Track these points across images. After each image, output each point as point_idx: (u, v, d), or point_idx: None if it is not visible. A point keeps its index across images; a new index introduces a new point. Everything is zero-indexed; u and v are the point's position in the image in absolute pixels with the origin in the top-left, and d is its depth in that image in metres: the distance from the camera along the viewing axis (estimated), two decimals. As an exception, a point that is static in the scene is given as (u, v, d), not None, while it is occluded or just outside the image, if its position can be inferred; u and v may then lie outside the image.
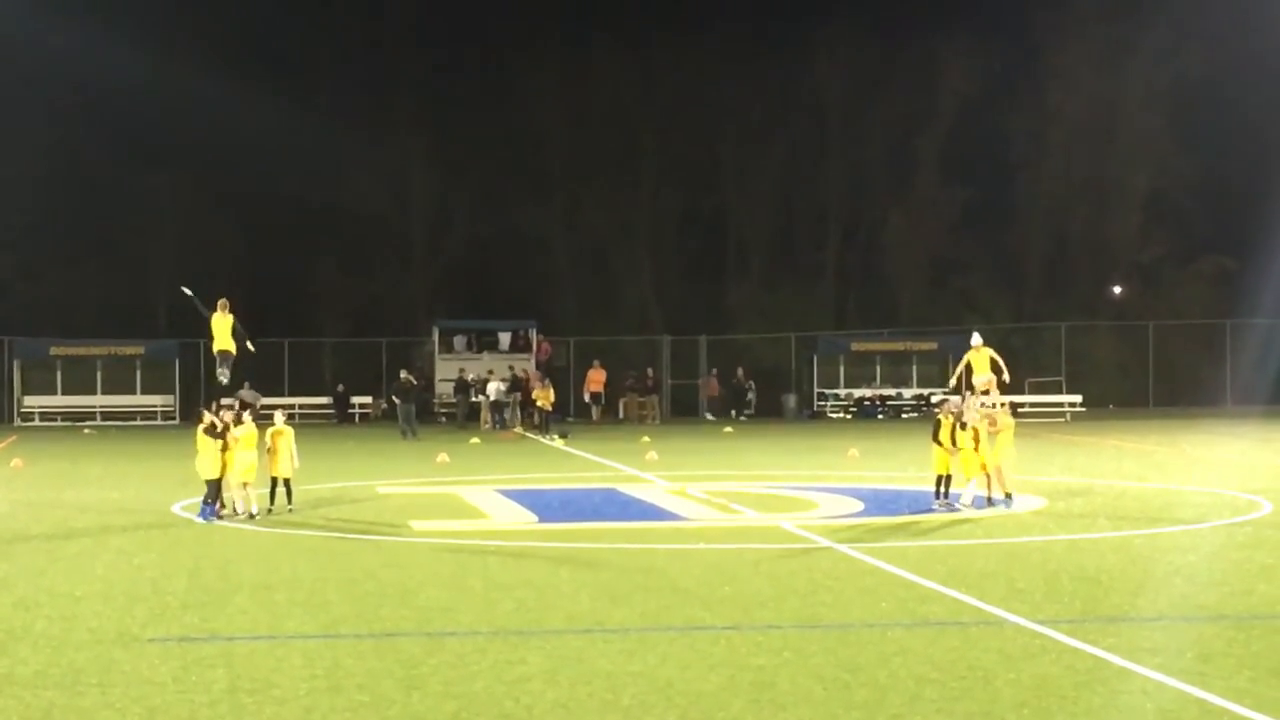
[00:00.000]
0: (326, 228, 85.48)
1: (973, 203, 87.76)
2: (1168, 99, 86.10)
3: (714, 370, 77.17)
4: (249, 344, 33.78)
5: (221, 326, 33.28)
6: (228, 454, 30.44)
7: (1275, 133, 79.36)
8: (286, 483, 31.58)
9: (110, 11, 76.59)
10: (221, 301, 33.75)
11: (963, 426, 31.31)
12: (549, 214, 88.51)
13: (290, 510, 31.26)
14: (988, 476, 31.59)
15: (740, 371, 77.22)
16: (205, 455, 30.22)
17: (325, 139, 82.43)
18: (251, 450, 30.74)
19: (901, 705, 15.00)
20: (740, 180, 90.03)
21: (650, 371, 76.02)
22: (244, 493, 30.67)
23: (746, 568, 23.97)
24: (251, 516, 30.29)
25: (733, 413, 75.52)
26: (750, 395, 77.06)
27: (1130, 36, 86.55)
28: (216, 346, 33.58)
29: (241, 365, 76.34)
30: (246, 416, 31.46)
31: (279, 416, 32.58)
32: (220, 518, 30.22)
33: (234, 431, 30.53)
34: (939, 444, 31.56)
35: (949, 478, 31.68)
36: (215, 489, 30.29)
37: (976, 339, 33.66)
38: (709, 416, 75.00)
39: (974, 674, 16.35)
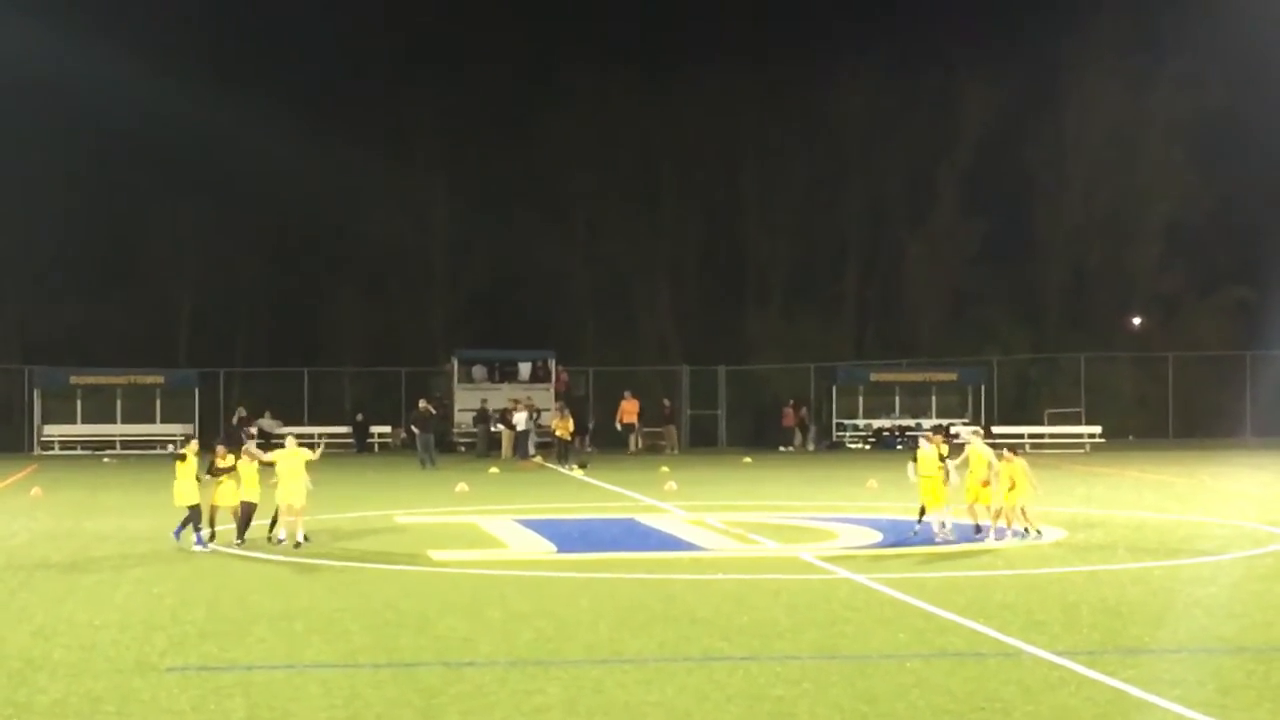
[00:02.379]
0: (347, 258, 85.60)
1: (992, 234, 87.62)
2: (1187, 130, 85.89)
3: (790, 401, 76.95)
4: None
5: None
6: (221, 484, 30.82)
7: (1295, 164, 79.24)
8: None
9: (135, 45, 76.75)
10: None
11: (940, 459, 31.73)
12: (568, 244, 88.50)
13: (302, 543, 30.84)
14: (996, 511, 31.62)
15: (804, 410, 76.91)
16: (184, 482, 30.48)
17: (347, 170, 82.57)
18: (254, 481, 30.74)
19: (920, 737, 14.99)
20: (760, 211, 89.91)
21: (666, 402, 76.00)
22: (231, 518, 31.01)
23: (765, 598, 23.96)
24: (240, 542, 30.42)
25: (796, 443, 75.26)
26: (809, 426, 76.66)
27: (1150, 67, 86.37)
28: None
29: (262, 394, 76.96)
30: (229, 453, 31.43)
31: (290, 442, 31.98)
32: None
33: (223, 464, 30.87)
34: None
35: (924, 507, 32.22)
36: (198, 514, 30.54)
37: (974, 438, 33.18)
38: (781, 449, 74.56)
39: (993, 705, 16.33)
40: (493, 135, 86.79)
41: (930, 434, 34.24)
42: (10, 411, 75.96)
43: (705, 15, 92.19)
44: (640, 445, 72.26)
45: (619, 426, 72.10)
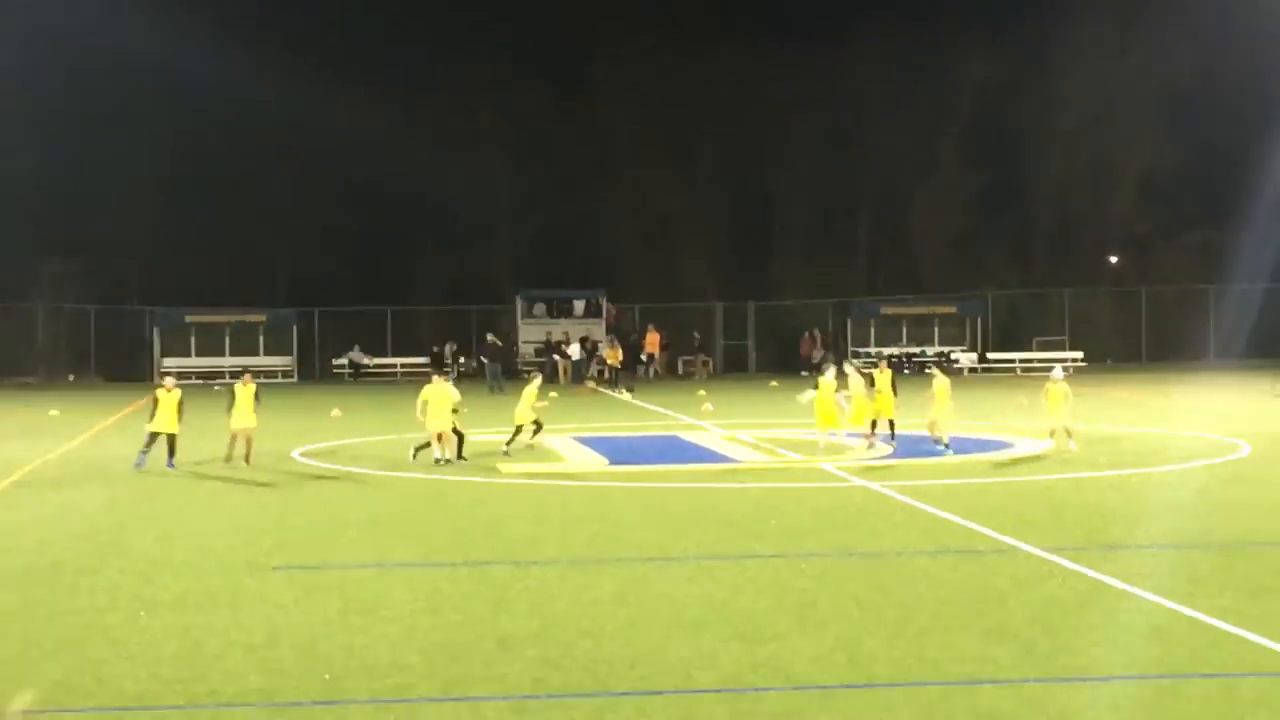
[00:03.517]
0: (426, 211, 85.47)
1: (989, 184, 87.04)
2: (1160, 90, 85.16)
3: (808, 332, 76.48)
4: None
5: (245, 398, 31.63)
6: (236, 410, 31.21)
7: (1255, 119, 78.32)
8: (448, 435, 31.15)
9: (244, 30, 77.39)
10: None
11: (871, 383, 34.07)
12: (618, 196, 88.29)
13: (454, 460, 30.88)
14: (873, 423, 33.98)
15: (819, 335, 76.37)
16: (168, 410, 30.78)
17: (423, 136, 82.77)
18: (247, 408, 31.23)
19: (927, 621, 15.03)
20: (785, 165, 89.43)
21: (696, 335, 76.29)
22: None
23: (791, 504, 23.99)
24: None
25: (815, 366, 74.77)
26: (827, 353, 76.07)
27: (1129, 35, 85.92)
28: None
29: (351, 331, 77.01)
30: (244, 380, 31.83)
31: (437, 380, 31.96)
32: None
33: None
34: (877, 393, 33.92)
35: (875, 422, 34.02)
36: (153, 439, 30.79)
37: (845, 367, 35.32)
38: (804, 374, 74.13)
39: (990, 595, 16.35)
40: (550, 102, 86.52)
41: (832, 364, 36.20)
42: (135, 347, 76.57)
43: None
44: (659, 373, 72.05)
45: (643, 357, 71.89)
